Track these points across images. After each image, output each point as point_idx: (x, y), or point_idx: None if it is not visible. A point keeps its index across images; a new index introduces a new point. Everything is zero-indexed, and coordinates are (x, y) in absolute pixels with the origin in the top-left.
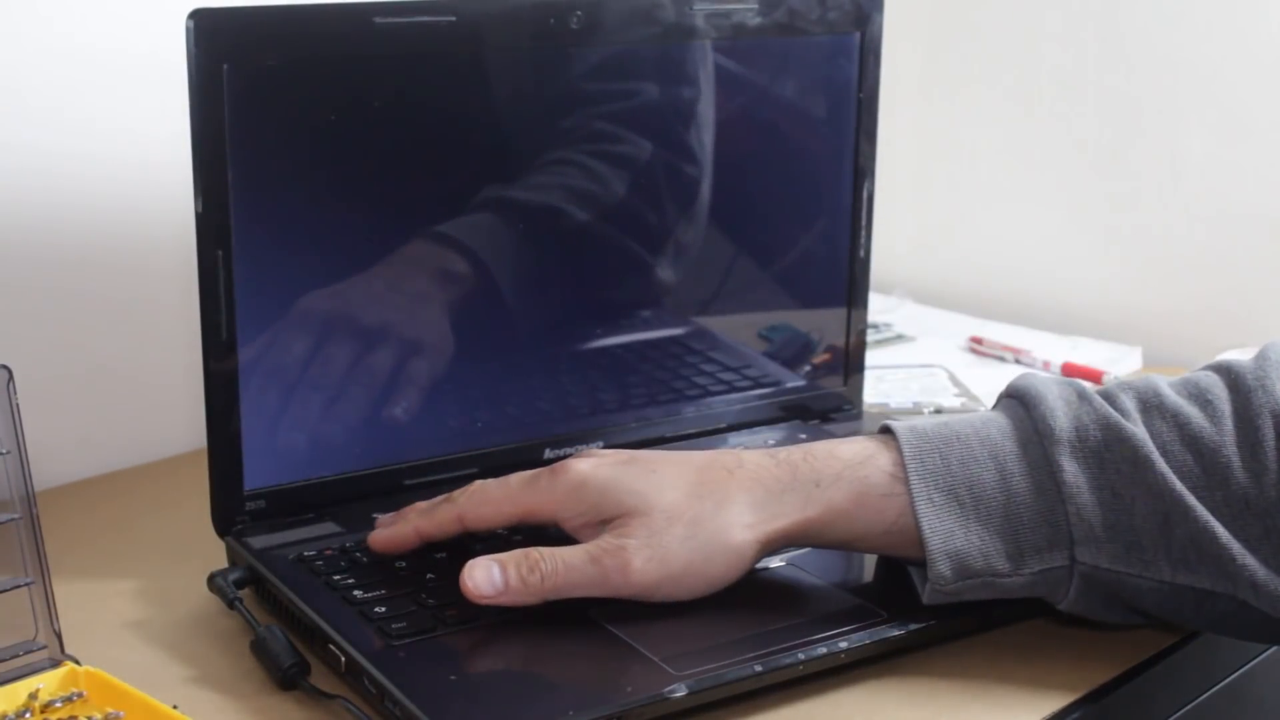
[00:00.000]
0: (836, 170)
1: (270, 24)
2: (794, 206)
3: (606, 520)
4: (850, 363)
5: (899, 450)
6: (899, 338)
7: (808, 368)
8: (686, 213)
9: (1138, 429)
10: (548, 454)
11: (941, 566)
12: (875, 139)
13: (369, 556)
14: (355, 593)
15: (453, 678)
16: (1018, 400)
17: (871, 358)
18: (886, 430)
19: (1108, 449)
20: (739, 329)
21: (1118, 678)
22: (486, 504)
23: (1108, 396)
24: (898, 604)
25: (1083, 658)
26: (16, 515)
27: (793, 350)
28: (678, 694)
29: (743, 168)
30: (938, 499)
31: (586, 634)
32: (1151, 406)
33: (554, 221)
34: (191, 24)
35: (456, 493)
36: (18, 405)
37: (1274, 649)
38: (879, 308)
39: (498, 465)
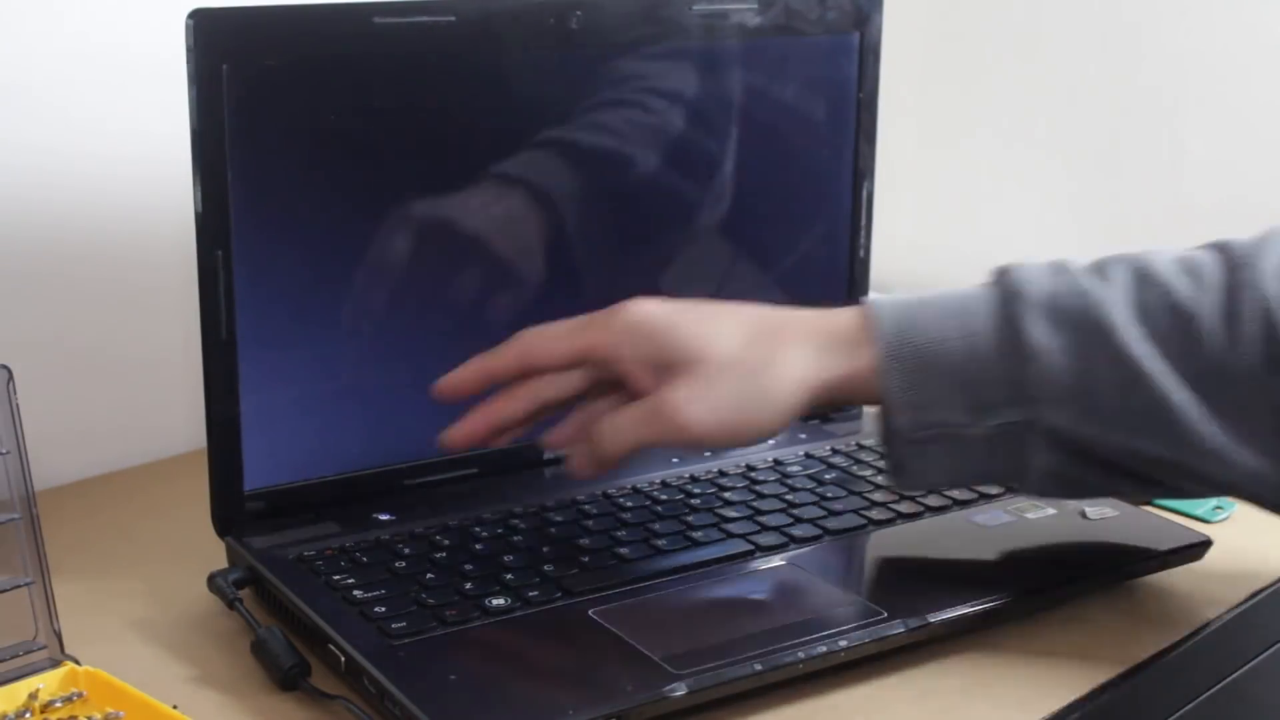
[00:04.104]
0: (836, 171)
1: (270, 24)
2: (793, 207)
3: (661, 364)
4: None
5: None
6: None
7: None
8: (684, 214)
9: (1112, 297)
10: (548, 454)
11: (902, 417)
12: (875, 139)
13: (369, 557)
14: (355, 593)
15: (453, 678)
16: (997, 272)
17: None
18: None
19: (1078, 314)
20: None
21: (1117, 678)
22: (547, 342)
23: (1100, 267)
24: (898, 603)
25: (1083, 658)
26: (16, 515)
27: None
28: (678, 693)
29: (741, 168)
30: (904, 353)
31: (586, 634)
32: (1143, 276)
33: (551, 224)
34: (191, 24)
35: (519, 333)
36: (18, 405)
37: (1275, 649)
38: None
39: (497, 465)
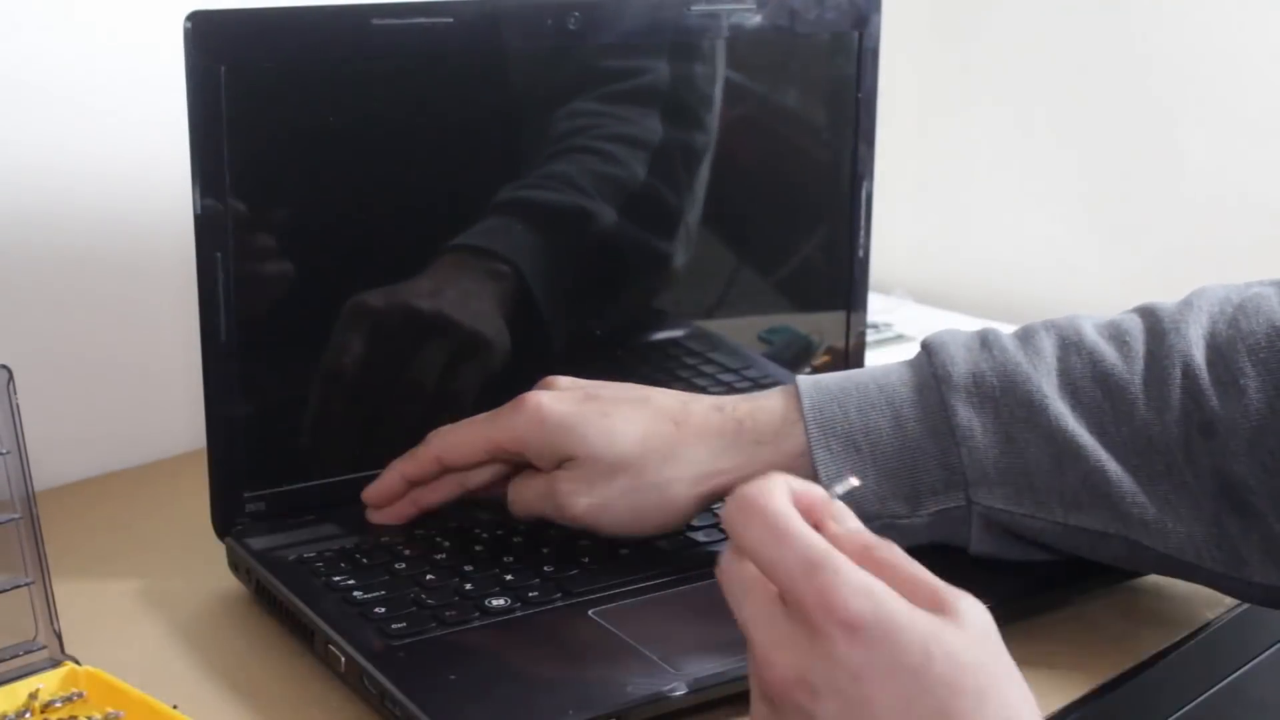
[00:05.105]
0: (835, 171)
1: (267, 26)
2: (792, 208)
3: (562, 459)
4: (850, 364)
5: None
6: (899, 338)
7: (808, 370)
8: (683, 215)
9: (1039, 371)
10: None
11: None
12: (874, 140)
13: (369, 558)
14: (355, 593)
15: (453, 678)
16: (924, 350)
17: (871, 358)
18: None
19: (1003, 394)
20: (739, 331)
21: (1118, 678)
22: (458, 444)
23: (1024, 335)
24: None
25: (1083, 658)
26: (16, 515)
27: (793, 352)
28: (678, 693)
29: (740, 169)
30: (835, 446)
31: (586, 634)
32: (1070, 344)
33: (549, 225)
34: (189, 26)
35: (430, 435)
36: (18, 405)
37: (1275, 649)
38: (879, 308)
39: None
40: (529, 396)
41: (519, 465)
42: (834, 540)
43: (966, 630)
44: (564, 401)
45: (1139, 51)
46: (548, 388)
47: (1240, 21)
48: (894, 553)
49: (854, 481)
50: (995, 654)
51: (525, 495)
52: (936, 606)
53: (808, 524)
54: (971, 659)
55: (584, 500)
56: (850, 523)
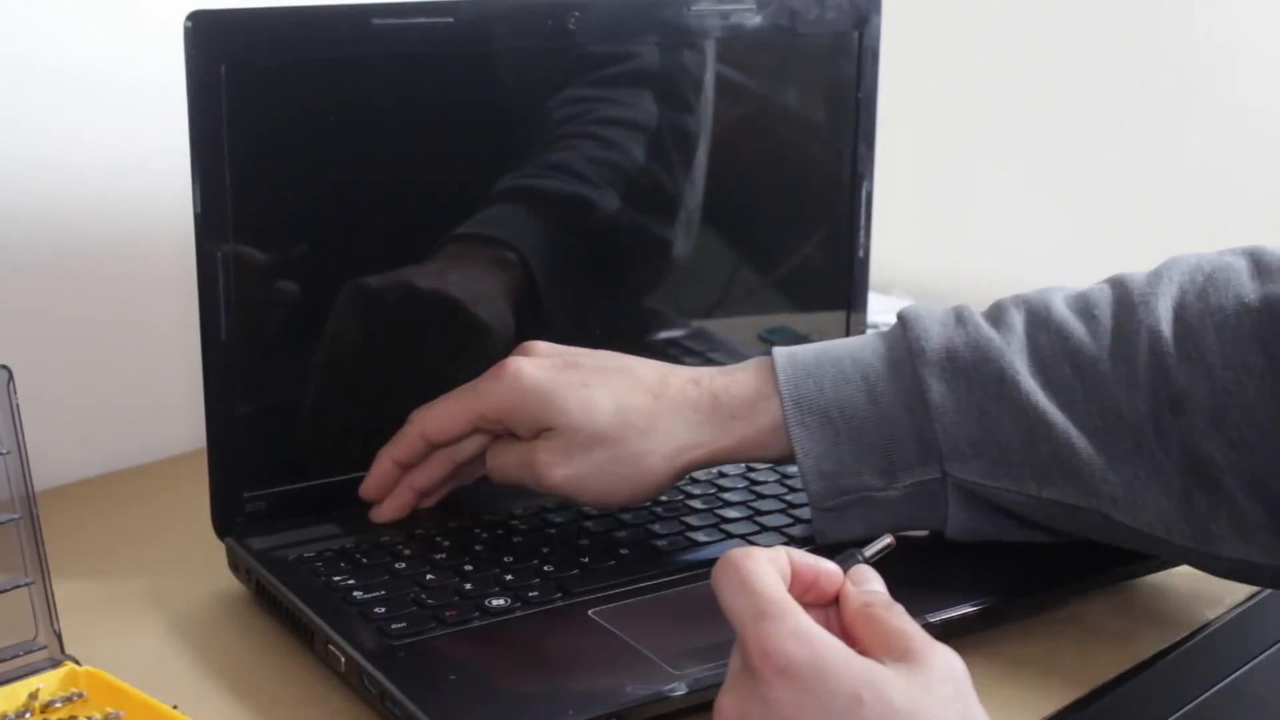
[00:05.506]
0: (835, 171)
1: (268, 25)
2: (792, 208)
3: (541, 428)
4: None
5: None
6: None
7: None
8: (683, 214)
9: (1010, 347)
10: None
11: (815, 485)
12: (874, 140)
13: (369, 558)
14: (355, 593)
15: (453, 678)
16: (899, 323)
17: None
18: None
19: (975, 369)
20: (739, 331)
21: (1118, 678)
22: (440, 418)
23: (996, 312)
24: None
25: (1083, 658)
26: (16, 515)
27: None
28: (677, 693)
29: (740, 169)
30: (810, 421)
31: (586, 634)
32: (1039, 321)
33: (549, 223)
34: (189, 25)
35: (412, 415)
36: (18, 405)
37: (1275, 649)
38: (879, 308)
39: None
40: (508, 363)
41: (505, 434)
42: (842, 597)
43: (919, 677)
44: (543, 369)
45: (1140, 51)
46: (526, 353)
47: (1241, 21)
48: (891, 611)
49: (887, 540)
50: (945, 700)
51: (504, 462)
52: (901, 655)
53: (781, 585)
54: (907, 704)
55: (561, 471)
56: (869, 585)
